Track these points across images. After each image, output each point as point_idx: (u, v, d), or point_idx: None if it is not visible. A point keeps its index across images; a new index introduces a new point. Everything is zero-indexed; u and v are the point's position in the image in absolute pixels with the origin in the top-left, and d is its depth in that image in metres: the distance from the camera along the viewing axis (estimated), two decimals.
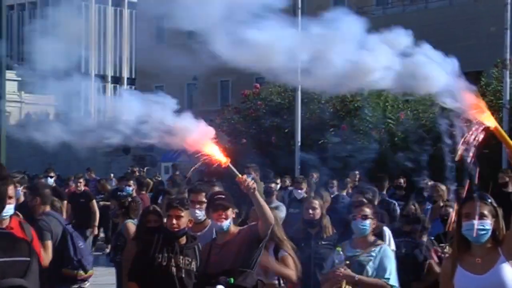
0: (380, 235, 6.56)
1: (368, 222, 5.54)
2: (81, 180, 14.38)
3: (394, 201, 10.78)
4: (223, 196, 5.98)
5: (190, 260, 5.86)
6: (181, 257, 5.83)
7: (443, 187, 9.59)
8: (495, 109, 12.70)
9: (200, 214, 6.41)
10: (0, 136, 16.39)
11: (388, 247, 5.99)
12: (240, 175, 5.35)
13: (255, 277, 5.71)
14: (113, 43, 78.91)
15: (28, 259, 2.90)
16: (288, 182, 13.19)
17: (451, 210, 8.20)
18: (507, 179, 10.82)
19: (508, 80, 14.52)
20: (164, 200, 8.92)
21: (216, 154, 5.54)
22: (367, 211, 5.85)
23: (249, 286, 5.63)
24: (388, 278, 5.34)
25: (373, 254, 5.48)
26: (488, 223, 3.93)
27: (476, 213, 3.97)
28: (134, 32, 58.79)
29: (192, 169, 7.23)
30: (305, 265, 6.66)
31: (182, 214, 5.90)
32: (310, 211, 7.22)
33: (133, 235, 7.19)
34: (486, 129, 4.24)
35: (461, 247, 4.03)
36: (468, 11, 25.87)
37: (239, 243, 5.64)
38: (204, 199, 6.50)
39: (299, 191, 11.13)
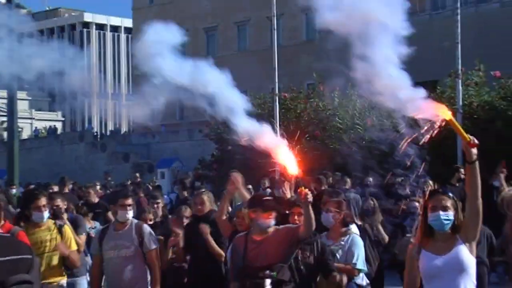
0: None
1: None
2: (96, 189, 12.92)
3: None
4: (271, 199, 6.28)
5: None
6: None
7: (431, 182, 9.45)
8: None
9: (130, 215, 6.72)
10: (13, 149, 16.41)
11: (357, 235, 6.16)
12: (302, 187, 5.41)
13: (289, 271, 5.90)
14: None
15: (31, 256, 2.93)
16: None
17: (416, 204, 8.48)
18: (462, 176, 10.62)
19: (460, 88, 14.46)
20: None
21: (288, 163, 5.65)
22: None
23: (286, 279, 5.81)
24: (355, 263, 5.73)
25: (342, 243, 5.88)
26: (451, 214, 4.18)
27: (441, 206, 4.23)
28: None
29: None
30: None
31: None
32: None
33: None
34: (443, 121, 4.31)
35: (426, 234, 4.30)
36: (425, 28, 26.39)
37: (279, 241, 5.84)
38: (131, 203, 6.85)
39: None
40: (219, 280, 7.21)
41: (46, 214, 6.33)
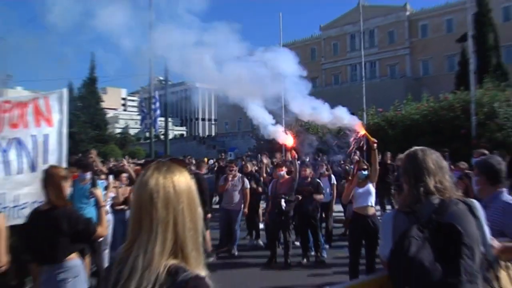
0: None
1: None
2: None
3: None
4: (283, 162, 10.45)
5: None
6: None
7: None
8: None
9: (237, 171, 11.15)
10: (167, 143, 25.42)
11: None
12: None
13: (293, 196, 9.55)
14: None
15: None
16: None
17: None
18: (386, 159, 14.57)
19: (365, 117, 23.29)
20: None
21: (288, 145, 9.41)
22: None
23: (292, 199, 9.53)
24: None
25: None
26: (367, 171, 7.47)
27: (363, 167, 7.51)
28: None
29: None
30: None
31: None
32: None
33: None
34: (363, 135, 7.80)
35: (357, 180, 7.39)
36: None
37: (288, 182, 9.55)
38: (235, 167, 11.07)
39: None
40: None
41: None
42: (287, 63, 8.06)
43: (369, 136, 7.26)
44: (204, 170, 11.48)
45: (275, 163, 11.82)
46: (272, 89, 7.76)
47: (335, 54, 62.36)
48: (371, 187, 7.38)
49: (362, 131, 7.76)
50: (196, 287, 1.55)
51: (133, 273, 1.56)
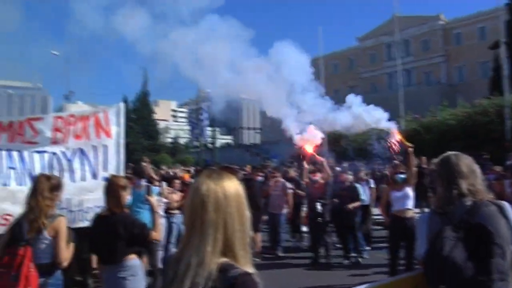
0: None
1: None
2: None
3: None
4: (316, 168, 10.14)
5: None
6: None
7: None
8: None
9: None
10: (214, 151, 27.16)
11: None
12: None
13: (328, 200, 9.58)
14: None
15: None
16: None
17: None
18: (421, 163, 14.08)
19: (402, 123, 23.93)
20: None
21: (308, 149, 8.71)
22: None
23: (328, 203, 9.59)
24: None
25: None
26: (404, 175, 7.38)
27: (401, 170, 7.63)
28: None
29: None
30: None
31: None
32: None
33: None
34: (399, 140, 7.77)
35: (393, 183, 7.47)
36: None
37: (322, 186, 9.54)
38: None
39: None
40: None
41: None
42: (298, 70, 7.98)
43: (405, 141, 7.28)
44: (257, 177, 11.56)
45: (309, 169, 12.04)
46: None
47: (373, 63, 61.58)
48: (409, 191, 7.28)
49: (398, 136, 7.70)
50: (244, 282, 1.62)
51: (188, 270, 1.65)
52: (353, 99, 8.13)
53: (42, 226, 4.01)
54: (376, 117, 7.92)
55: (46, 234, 4.01)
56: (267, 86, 7.69)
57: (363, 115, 7.96)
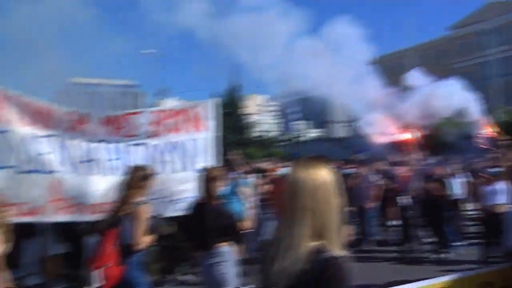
0: None
1: None
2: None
3: None
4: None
5: None
6: None
7: None
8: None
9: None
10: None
11: None
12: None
13: None
14: None
15: None
16: None
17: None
18: None
19: (498, 114, 23.46)
20: None
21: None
22: None
23: (413, 197, 9.11)
24: None
25: None
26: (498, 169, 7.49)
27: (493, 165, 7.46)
28: None
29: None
30: None
31: None
32: None
33: None
34: (492, 132, 9.32)
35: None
36: None
37: (407, 179, 9.32)
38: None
39: None
40: None
41: None
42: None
43: (499, 134, 6.69)
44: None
45: (395, 162, 11.37)
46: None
47: (464, 53, 57.42)
48: (502, 185, 6.75)
49: (491, 129, 7.12)
50: (335, 264, 1.70)
51: (285, 252, 1.74)
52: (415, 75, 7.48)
53: (127, 211, 4.27)
54: (455, 97, 7.32)
55: (130, 218, 4.26)
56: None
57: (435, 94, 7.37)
